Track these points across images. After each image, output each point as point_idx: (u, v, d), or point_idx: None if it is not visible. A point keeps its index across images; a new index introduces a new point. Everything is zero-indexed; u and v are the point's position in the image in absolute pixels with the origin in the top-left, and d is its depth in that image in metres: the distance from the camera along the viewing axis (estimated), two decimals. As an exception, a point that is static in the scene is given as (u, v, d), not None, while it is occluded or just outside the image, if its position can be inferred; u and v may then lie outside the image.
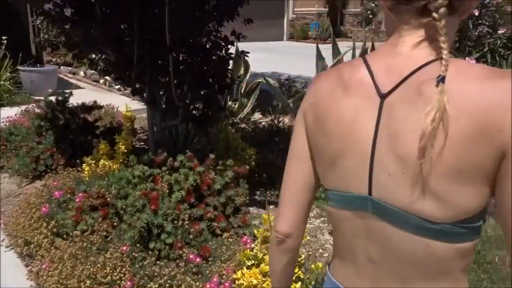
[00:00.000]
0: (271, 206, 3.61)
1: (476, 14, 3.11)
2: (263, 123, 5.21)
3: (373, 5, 20.16)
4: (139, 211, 2.44)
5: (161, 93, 3.38)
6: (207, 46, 3.02)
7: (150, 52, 3.00)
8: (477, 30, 3.16)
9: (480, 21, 3.17)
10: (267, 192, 3.66)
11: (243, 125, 5.21)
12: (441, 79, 0.59)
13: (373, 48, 3.79)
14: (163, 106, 3.39)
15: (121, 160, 3.26)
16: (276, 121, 4.85)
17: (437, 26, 0.61)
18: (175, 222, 2.43)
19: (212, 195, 2.80)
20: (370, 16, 20.25)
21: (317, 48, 3.99)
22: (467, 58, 3.09)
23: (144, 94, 3.31)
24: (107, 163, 3.25)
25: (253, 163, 3.81)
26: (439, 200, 0.62)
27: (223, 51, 3.09)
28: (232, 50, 3.50)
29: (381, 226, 0.69)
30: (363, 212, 0.70)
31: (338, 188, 0.73)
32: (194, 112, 3.22)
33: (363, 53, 3.74)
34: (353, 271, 0.78)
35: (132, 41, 2.95)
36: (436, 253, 0.65)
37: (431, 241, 0.64)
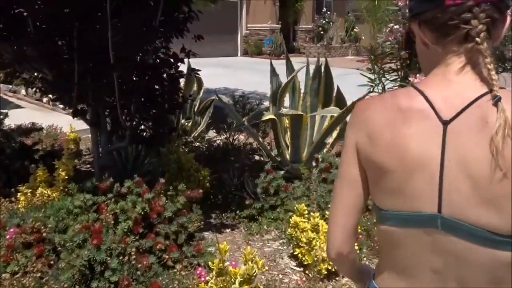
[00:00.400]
0: (227, 230, 3.45)
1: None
2: (217, 141, 5.06)
3: (323, 22, 20.76)
4: (79, 247, 2.20)
5: (106, 113, 3.15)
6: (155, 64, 2.85)
7: (92, 70, 2.78)
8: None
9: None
10: (223, 214, 3.49)
11: (197, 144, 5.02)
12: (498, 99, 0.69)
13: (326, 65, 3.77)
14: (109, 128, 3.16)
15: (61, 188, 2.98)
16: (231, 139, 4.72)
17: (481, 50, 0.71)
18: (121, 257, 2.20)
19: (163, 223, 2.60)
20: (322, 32, 20.82)
21: (271, 64, 3.92)
22: (418, 75, 3.12)
23: (87, 115, 3.07)
24: (46, 192, 2.96)
25: (207, 184, 3.64)
26: (505, 214, 0.70)
27: (173, 69, 2.93)
28: (184, 67, 3.35)
29: (449, 240, 0.75)
30: (431, 229, 0.76)
31: (403, 208, 0.78)
32: (142, 133, 3.01)
33: (318, 69, 3.71)
34: (412, 283, 0.83)
35: (71, 59, 2.72)
36: (501, 261, 0.73)
37: (496, 251, 0.72)
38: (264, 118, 3.57)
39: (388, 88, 3.87)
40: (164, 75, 2.91)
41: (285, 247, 3.06)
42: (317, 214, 2.82)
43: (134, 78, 2.85)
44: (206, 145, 4.97)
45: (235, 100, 4.67)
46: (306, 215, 2.83)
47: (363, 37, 23.50)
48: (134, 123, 2.95)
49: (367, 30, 23.24)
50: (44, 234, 2.35)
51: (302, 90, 4.04)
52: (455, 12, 0.72)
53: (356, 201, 0.86)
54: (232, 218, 3.47)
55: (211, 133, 5.14)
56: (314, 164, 3.85)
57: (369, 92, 3.77)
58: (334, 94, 3.91)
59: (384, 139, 0.77)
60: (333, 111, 3.61)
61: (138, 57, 2.74)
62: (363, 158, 0.82)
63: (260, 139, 4.17)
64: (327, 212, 3.21)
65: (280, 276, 2.74)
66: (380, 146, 0.78)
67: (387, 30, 3.43)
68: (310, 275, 2.62)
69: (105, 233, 2.34)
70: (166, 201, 2.67)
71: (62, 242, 2.26)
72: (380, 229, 0.84)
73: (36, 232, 2.35)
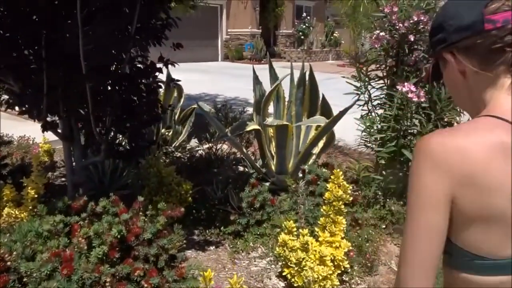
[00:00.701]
0: (211, 247, 3.28)
1: (412, 39, 3.07)
2: (200, 151, 4.88)
3: (304, 26, 20.80)
4: (48, 278, 1.99)
5: (79, 126, 2.94)
6: (131, 74, 2.67)
7: (63, 81, 2.57)
8: (413, 55, 3.11)
9: (415, 46, 3.14)
10: (206, 231, 3.31)
11: (178, 154, 4.84)
12: None
13: (311, 72, 3.65)
14: (83, 141, 2.95)
15: (30, 208, 2.75)
16: (214, 149, 4.55)
17: None
18: (95, 287, 2.01)
19: (141, 245, 2.41)
20: (302, 37, 20.85)
21: (254, 72, 3.78)
22: (406, 84, 3.02)
23: (59, 128, 2.86)
24: (13, 212, 2.73)
25: (189, 198, 3.46)
26: None
27: (150, 78, 2.75)
28: (163, 75, 3.17)
29: None
30: None
31: (490, 252, 0.72)
32: (119, 147, 2.82)
33: (303, 77, 3.58)
34: None
35: (40, 69, 2.52)
36: None
37: None
38: (248, 128, 3.42)
39: (375, 96, 3.78)
40: (142, 86, 2.72)
41: (272, 265, 2.91)
42: (305, 231, 2.67)
43: (109, 89, 2.66)
44: (188, 156, 4.79)
45: (217, 108, 4.51)
46: (295, 232, 2.68)
47: (343, 42, 23.68)
48: (110, 136, 2.76)
49: (347, 34, 23.46)
50: (9, 263, 2.13)
51: (287, 98, 3.91)
52: (497, 36, 0.71)
53: (441, 233, 0.74)
54: (216, 235, 3.30)
55: (193, 143, 4.96)
56: (300, 175, 3.73)
57: (357, 100, 3.67)
58: (320, 103, 3.80)
59: (484, 177, 0.70)
60: (319, 120, 3.48)
61: (113, 67, 2.55)
62: (460, 204, 0.72)
63: (244, 149, 4.02)
64: (316, 228, 3.07)
65: (268, 298, 2.59)
66: (477, 183, 0.70)
67: (373, 37, 3.33)
68: (300, 297, 2.48)
69: (77, 260, 2.14)
70: (145, 221, 2.48)
71: (28, 271, 2.05)
72: (464, 278, 0.75)
73: (0, 260, 2.13)
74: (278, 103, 3.93)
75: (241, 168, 4.31)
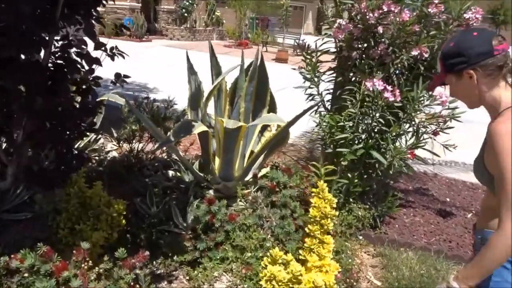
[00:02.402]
0: (163, 283, 2.63)
1: (380, 31, 2.82)
2: (113, 152, 4.02)
3: (187, 3, 19.76)
4: None
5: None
6: (58, 66, 1.86)
7: None
8: (379, 49, 2.88)
9: (381, 39, 2.90)
10: (153, 262, 2.65)
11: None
12: None
13: (262, 61, 3.18)
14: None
15: None
16: (135, 150, 3.77)
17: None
18: None
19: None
20: (185, 14, 19.80)
21: (188, 60, 3.16)
22: (376, 80, 2.77)
23: None
24: None
25: (123, 221, 2.75)
26: None
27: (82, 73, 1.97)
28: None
29: None
30: None
31: None
32: (34, 169, 1.99)
33: (255, 70, 3.08)
34: None
35: None
36: None
37: None
38: (196, 131, 2.81)
39: (325, 90, 3.50)
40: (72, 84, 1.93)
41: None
42: (290, 256, 2.25)
43: (22, 90, 1.81)
44: (98, 159, 3.90)
45: (138, 103, 3.72)
46: (280, 261, 2.25)
47: (224, 21, 23.30)
48: (22, 156, 1.92)
49: (229, 14, 23.16)
50: None
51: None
52: (500, 59, 1.31)
53: None
54: (165, 265, 2.66)
55: (106, 143, 4.07)
56: (249, 179, 3.28)
57: (311, 96, 3.34)
58: (268, 98, 3.36)
59: None
60: (274, 118, 3.05)
61: (33, 56, 1.72)
62: None
63: (181, 152, 3.38)
64: (288, 245, 2.68)
65: None
66: None
67: (335, 26, 3.00)
68: None
69: None
70: (99, 279, 1.77)
71: None
72: None
73: None
74: (219, 98, 3.37)
75: (171, 173, 3.65)
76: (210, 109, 3.28)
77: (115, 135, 3.78)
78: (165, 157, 3.88)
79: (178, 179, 3.37)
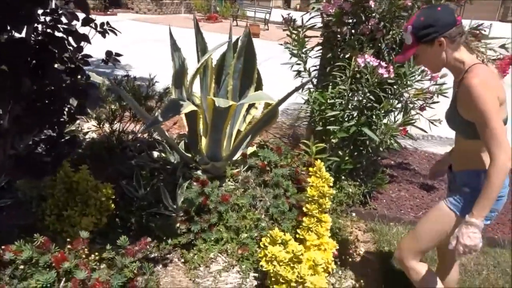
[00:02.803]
0: (158, 267, 2.57)
1: (372, 5, 2.78)
2: (92, 133, 3.86)
3: (153, -26, 18.94)
4: None
5: None
6: (40, 43, 1.71)
7: None
8: (369, 24, 2.84)
9: (372, 14, 2.86)
10: (147, 246, 2.58)
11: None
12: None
13: (249, 37, 3.07)
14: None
15: None
16: (116, 132, 3.62)
17: (468, 42, 1.72)
18: None
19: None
20: (152, -14, 19.01)
21: (171, 36, 3.02)
22: (368, 56, 2.75)
23: None
24: None
25: (112, 205, 2.66)
26: None
27: (69, 52, 1.83)
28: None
29: None
30: None
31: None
32: (25, 157, 1.86)
33: (242, 45, 2.98)
34: None
35: None
36: None
37: None
38: (185, 110, 2.71)
39: (312, 66, 3.45)
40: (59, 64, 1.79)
41: (247, 279, 2.42)
42: (288, 235, 2.25)
43: (6, 70, 1.66)
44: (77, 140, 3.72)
45: (117, 81, 3.53)
46: (279, 241, 2.24)
47: (192, -6, 22.56)
48: (7, 142, 1.79)
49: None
50: None
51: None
52: (460, 28, 1.63)
53: None
54: (159, 248, 2.61)
55: (81, 123, 3.89)
56: (238, 158, 3.23)
57: (299, 73, 3.28)
58: (255, 75, 3.28)
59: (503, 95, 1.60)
60: (264, 96, 2.99)
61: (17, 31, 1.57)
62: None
63: (166, 133, 3.26)
64: (283, 225, 2.68)
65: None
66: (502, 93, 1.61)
67: (324, 0, 2.93)
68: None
69: None
70: (97, 267, 1.69)
71: None
72: None
73: None
74: (205, 75, 3.26)
75: (156, 154, 3.54)
76: (194, 86, 3.16)
77: (94, 115, 3.61)
78: (147, 137, 3.75)
79: (164, 160, 3.27)
